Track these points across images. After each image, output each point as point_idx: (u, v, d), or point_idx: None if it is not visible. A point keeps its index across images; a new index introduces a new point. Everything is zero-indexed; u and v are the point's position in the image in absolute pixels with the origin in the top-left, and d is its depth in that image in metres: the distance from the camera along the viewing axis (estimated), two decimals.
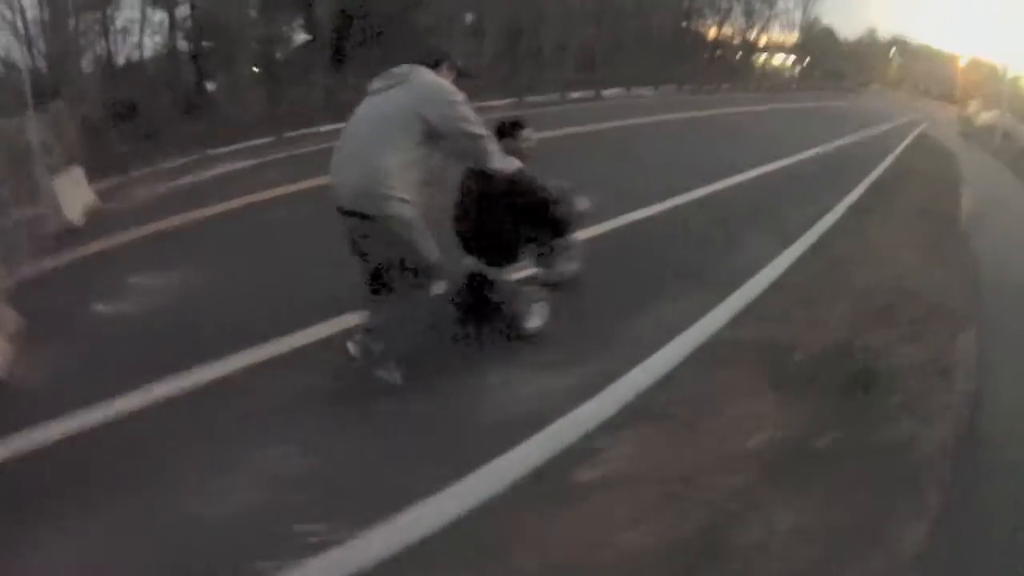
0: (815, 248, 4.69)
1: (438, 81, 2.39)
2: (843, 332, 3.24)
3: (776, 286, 3.81)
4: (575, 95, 16.47)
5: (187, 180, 7.54)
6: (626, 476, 2.06)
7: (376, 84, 2.43)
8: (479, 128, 2.39)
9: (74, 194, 6.54)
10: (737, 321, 3.31)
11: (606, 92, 17.58)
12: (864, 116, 18.52)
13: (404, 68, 2.39)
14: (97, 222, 6.03)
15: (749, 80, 25.31)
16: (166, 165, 8.79)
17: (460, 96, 2.34)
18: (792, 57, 31.51)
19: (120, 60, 16.31)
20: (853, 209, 6.26)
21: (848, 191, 7.05)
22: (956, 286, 4.33)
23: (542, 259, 3.01)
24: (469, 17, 21.75)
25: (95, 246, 5.07)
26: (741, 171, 7.26)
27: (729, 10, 27.65)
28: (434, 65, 2.45)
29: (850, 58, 32.41)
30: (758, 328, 3.23)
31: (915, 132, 17.03)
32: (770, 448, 2.26)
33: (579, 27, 23.34)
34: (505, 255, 2.85)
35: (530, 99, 14.70)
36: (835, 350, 3.01)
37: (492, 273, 2.84)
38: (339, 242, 2.50)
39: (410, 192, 2.29)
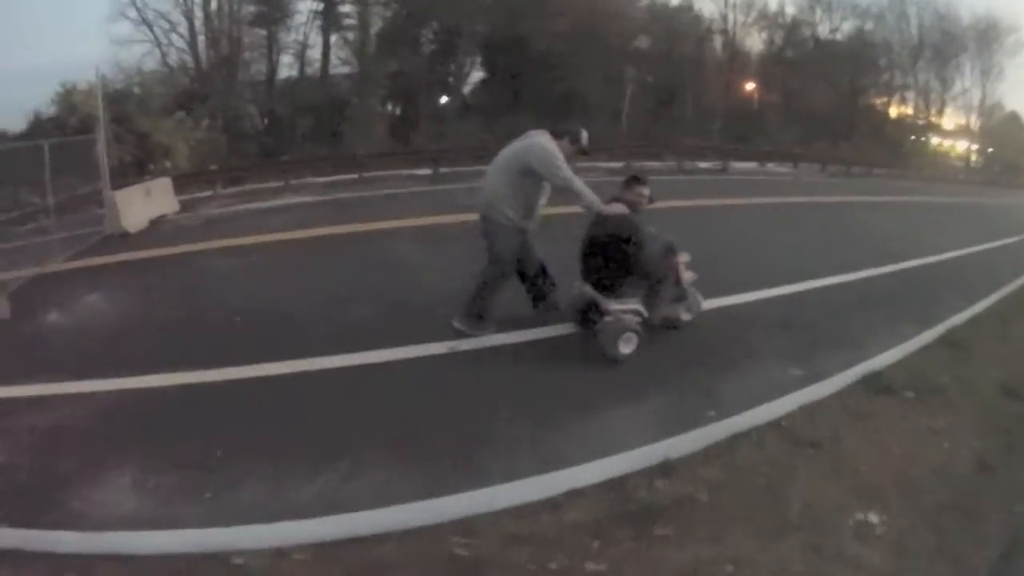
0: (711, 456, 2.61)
1: (544, 142, 3.49)
2: None
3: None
4: (702, 165, 15.05)
5: (254, 206, 8.07)
6: None
7: (513, 140, 3.68)
8: (567, 172, 3.42)
9: (143, 204, 7.18)
10: None
11: (738, 165, 15.78)
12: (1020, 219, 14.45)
13: (532, 132, 3.62)
14: (153, 232, 6.61)
15: (911, 165, 21.77)
16: (262, 186, 9.56)
17: (557, 153, 3.44)
18: (970, 144, 26.66)
19: (288, 76, 17.85)
20: (874, 386, 3.42)
21: (907, 336, 4.26)
22: None
23: (646, 299, 3.49)
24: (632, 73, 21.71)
25: (123, 255, 5.60)
26: (773, 285, 4.94)
27: (903, 87, 24.39)
28: (558, 135, 3.57)
29: None
30: None
31: None
32: None
33: (730, 92, 22.15)
34: (606, 285, 3.44)
35: (644, 164, 13.65)
36: None
37: (599, 299, 3.47)
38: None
39: (516, 211, 3.54)
